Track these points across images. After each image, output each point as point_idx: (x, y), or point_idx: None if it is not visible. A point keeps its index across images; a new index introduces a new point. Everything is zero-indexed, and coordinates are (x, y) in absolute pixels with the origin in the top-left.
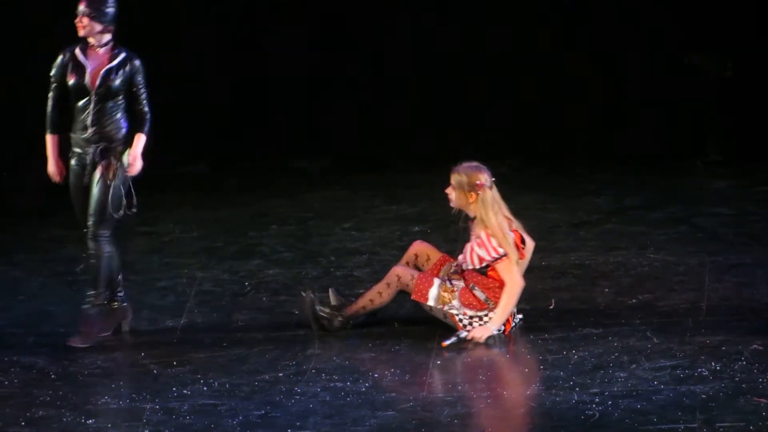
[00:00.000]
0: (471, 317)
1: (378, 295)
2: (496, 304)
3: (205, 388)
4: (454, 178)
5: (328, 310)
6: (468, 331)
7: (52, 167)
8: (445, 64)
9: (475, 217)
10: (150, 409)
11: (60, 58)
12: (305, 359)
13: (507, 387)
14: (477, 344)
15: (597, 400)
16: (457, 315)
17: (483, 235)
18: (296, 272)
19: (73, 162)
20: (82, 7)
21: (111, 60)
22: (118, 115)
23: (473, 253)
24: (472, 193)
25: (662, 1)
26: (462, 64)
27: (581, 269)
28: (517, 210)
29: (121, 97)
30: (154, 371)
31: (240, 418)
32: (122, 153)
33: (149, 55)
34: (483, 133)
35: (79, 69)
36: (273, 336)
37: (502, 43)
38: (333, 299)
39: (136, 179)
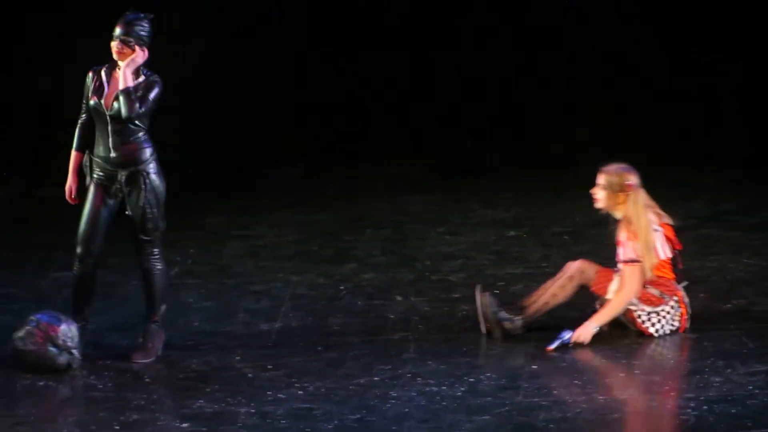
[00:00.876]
0: (649, 313)
1: (561, 289)
2: (671, 297)
3: (300, 392)
4: (604, 179)
5: (508, 315)
6: (572, 332)
7: (67, 184)
8: (542, 65)
9: (620, 219)
10: (245, 413)
11: (88, 77)
12: (401, 363)
13: (602, 391)
14: (581, 345)
15: (692, 404)
16: (636, 311)
17: (623, 236)
18: (391, 276)
19: (93, 181)
20: (119, 31)
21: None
22: (140, 137)
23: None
24: (621, 194)
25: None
26: (562, 64)
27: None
28: None
29: (140, 120)
30: (249, 375)
31: (335, 422)
32: (149, 173)
33: (240, 57)
34: (578, 136)
35: (99, 90)
36: (368, 340)
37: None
38: (480, 296)
39: (234, 183)
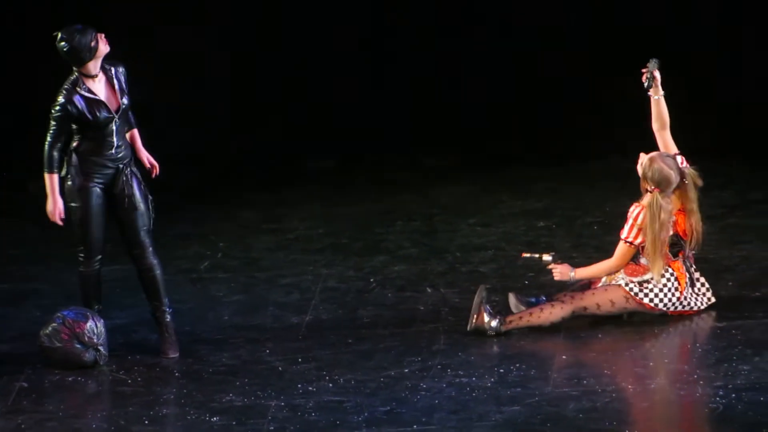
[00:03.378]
0: (640, 283)
1: (549, 314)
2: (665, 268)
3: (330, 385)
4: (642, 165)
5: (490, 313)
6: (553, 260)
7: (51, 206)
8: (577, 61)
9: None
10: (275, 406)
11: (62, 100)
12: (430, 355)
13: (632, 381)
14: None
15: (721, 393)
16: (628, 286)
17: (633, 214)
18: (421, 268)
19: (94, 186)
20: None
21: (107, 75)
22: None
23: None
24: (649, 186)
25: None
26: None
27: (705, 263)
28: None
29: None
30: (279, 368)
31: (365, 414)
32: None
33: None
34: (611, 129)
35: (97, 102)
36: (398, 332)
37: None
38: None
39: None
